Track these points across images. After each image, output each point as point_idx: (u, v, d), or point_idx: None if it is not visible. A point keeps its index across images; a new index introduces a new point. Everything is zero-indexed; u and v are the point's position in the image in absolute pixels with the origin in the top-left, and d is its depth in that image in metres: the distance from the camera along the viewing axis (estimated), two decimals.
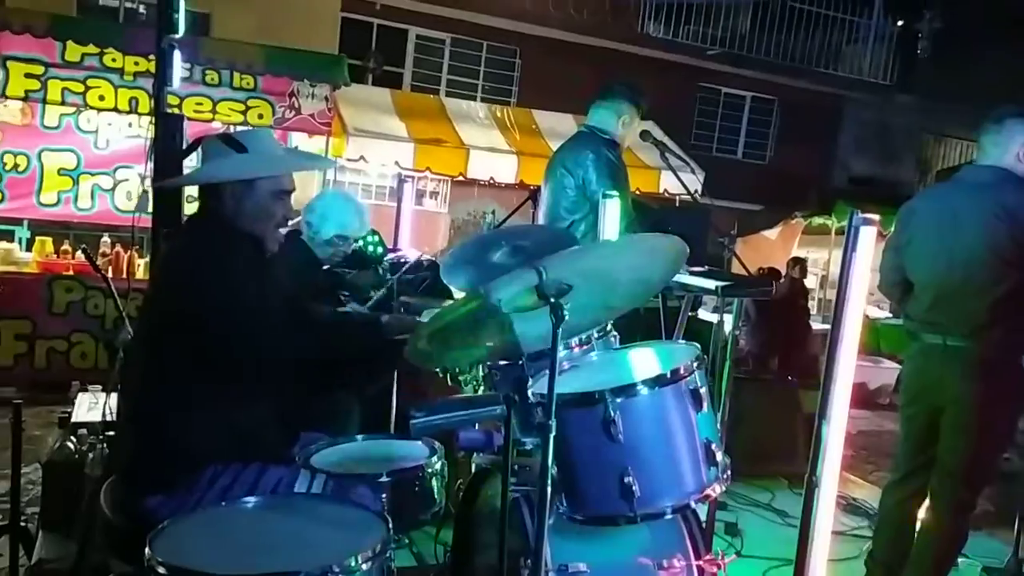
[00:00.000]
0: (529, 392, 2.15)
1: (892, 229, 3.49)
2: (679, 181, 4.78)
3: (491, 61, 13.85)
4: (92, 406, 4.58)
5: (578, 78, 12.88)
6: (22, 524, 3.46)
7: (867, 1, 15.73)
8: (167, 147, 2.81)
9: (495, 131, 9.38)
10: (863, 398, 7.19)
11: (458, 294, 4.37)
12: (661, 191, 9.42)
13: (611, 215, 3.06)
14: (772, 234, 12.21)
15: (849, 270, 1.89)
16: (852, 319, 1.88)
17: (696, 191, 9.56)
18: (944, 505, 3.21)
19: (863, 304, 1.91)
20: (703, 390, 2.04)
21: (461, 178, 9.25)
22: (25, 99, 6.76)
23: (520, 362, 2.58)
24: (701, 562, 2.26)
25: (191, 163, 3.07)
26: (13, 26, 6.20)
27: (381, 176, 11.07)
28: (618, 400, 1.96)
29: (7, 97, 6.62)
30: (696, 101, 15.32)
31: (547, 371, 2.25)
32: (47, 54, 6.48)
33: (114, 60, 6.68)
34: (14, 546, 3.39)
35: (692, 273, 4.16)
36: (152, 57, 6.51)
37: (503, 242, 2.85)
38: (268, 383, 2.35)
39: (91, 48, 6.57)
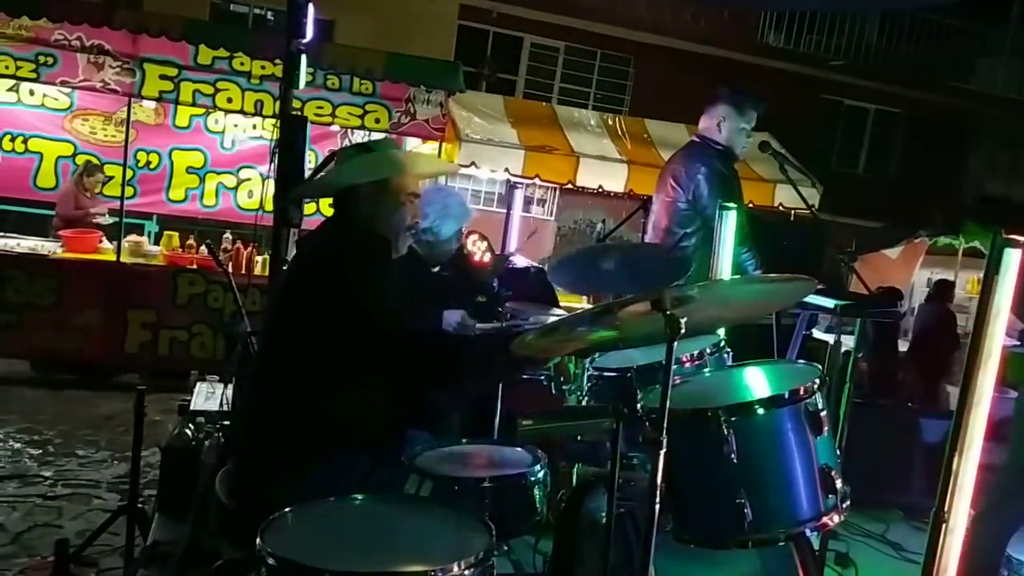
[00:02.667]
0: (638, 406, 2.11)
1: None
2: (798, 194, 4.61)
3: (604, 69, 13.80)
4: (209, 395, 4.76)
5: (692, 88, 12.71)
6: (139, 505, 3.63)
7: (1002, 11, 14.92)
8: (291, 147, 2.89)
9: (606, 139, 9.30)
10: (988, 427, 6.78)
11: (564, 301, 4.35)
12: (776, 204, 9.15)
13: (729, 227, 2.98)
14: (893, 253, 11.67)
15: (991, 294, 1.77)
16: (993, 346, 1.76)
17: (813, 206, 9.27)
18: None
19: (1003, 331, 1.78)
20: (823, 414, 1.95)
21: (570, 186, 9.20)
22: (159, 99, 7.11)
23: (628, 375, 2.55)
24: None
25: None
26: (151, 29, 6.52)
27: (490, 182, 11.16)
28: (733, 419, 1.89)
29: (143, 97, 6.95)
30: (816, 113, 14.85)
31: (656, 385, 2.21)
32: (181, 57, 6.77)
33: (242, 64, 6.95)
34: (131, 526, 3.56)
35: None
36: (278, 61, 6.84)
37: (615, 252, 2.81)
38: (388, 381, 2.42)
39: (222, 52, 6.84)
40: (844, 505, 1.99)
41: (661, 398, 1.75)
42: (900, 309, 9.17)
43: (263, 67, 7.04)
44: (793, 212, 9.20)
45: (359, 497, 2.06)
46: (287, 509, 1.94)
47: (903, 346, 9.25)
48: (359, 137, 8.11)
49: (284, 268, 2.58)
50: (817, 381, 1.98)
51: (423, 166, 2.66)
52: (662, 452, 1.74)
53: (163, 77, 6.78)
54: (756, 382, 2.26)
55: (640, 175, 8.74)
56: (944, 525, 1.81)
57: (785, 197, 8.92)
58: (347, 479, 2.22)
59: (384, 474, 2.27)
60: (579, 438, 2.07)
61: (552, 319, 3.84)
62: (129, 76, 6.67)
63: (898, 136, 15.44)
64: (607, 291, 2.80)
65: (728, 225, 2.96)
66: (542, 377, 3.35)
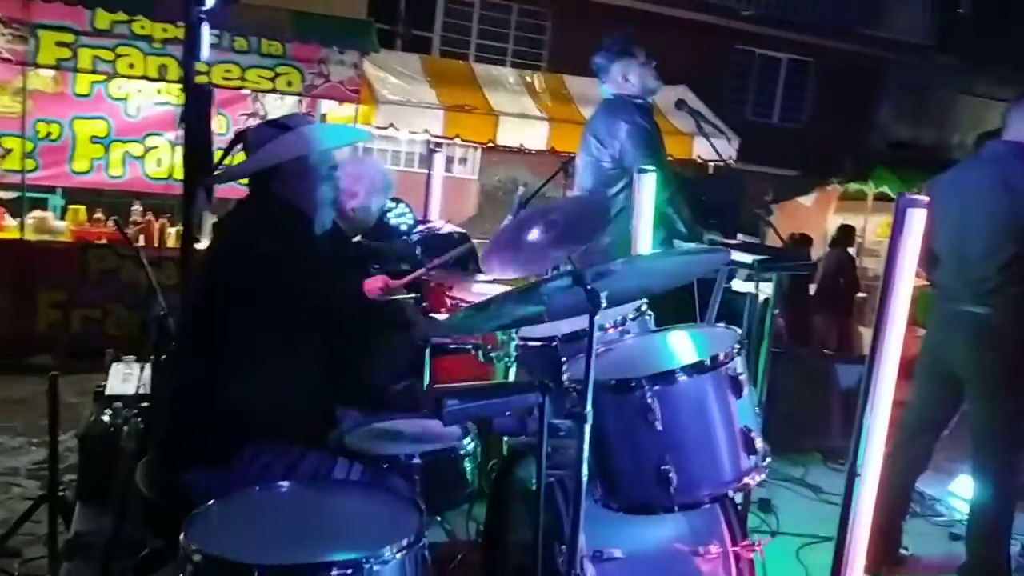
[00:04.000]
0: (564, 377, 2.12)
1: None
2: (713, 148, 4.68)
3: (521, 24, 13.66)
4: (127, 377, 4.61)
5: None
6: (60, 494, 3.52)
7: None
8: (196, 119, 2.77)
9: (525, 97, 9.24)
10: (900, 368, 7.09)
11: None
12: (694, 157, 9.27)
13: (647, 191, 2.99)
14: (808, 201, 12.02)
15: (897, 253, 1.82)
16: (900, 306, 1.82)
17: (730, 157, 9.43)
18: (985, 479, 3.30)
19: (910, 290, 1.84)
20: (743, 376, 1.99)
21: (491, 145, 9.14)
22: (56, 68, 6.76)
23: (553, 344, 2.56)
24: (738, 548, 2.23)
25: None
26: None
27: (410, 143, 11.00)
28: (656, 387, 1.92)
29: (39, 66, 6.62)
30: (730, 64, 15.02)
31: (581, 355, 2.22)
32: (77, 22, 6.46)
33: (143, 27, 6.67)
34: (53, 515, 3.45)
35: (727, 246, 4.09)
36: (180, 24, 6.59)
37: (535, 221, 2.78)
38: (315, 364, 2.38)
39: (121, 15, 6.55)
40: (764, 463, 2.04)
41: (585, 372, 1.76)
42: (813, 259, 9.48)
43: (165, 30, 6.77)
44: (711, 164, 9.33)
45: (284, 486, 2.02)
46: (211, 502, 1.90)
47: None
48: (271, 101, 7.89)
49: (202, 248, 2.47)
50: (737, 346, 2.02)
51: (340, 138, 2.60)
52: (587, 425, 1.76)
53: (60, 44, 6.46)
54: (679, 347, 2.29)
55: (561, 132, 8.73)
56: (857, 478, 1.88)
57: (703, 150, 9.02)
58: (273, 468, 2.19)
59: (312, 461, 2.24)
60: (507, 413, 2.07)
61: (478, 286, 3.84)
62: (22, 43, 6.33)
63: (809, 85, 15.75)
64: (541, 263, 2.78)
65: (646, 189, 2.97)
66: (469, 346, 3.34)
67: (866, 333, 9.47)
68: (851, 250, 9.85)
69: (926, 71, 15.80)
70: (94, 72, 6.81)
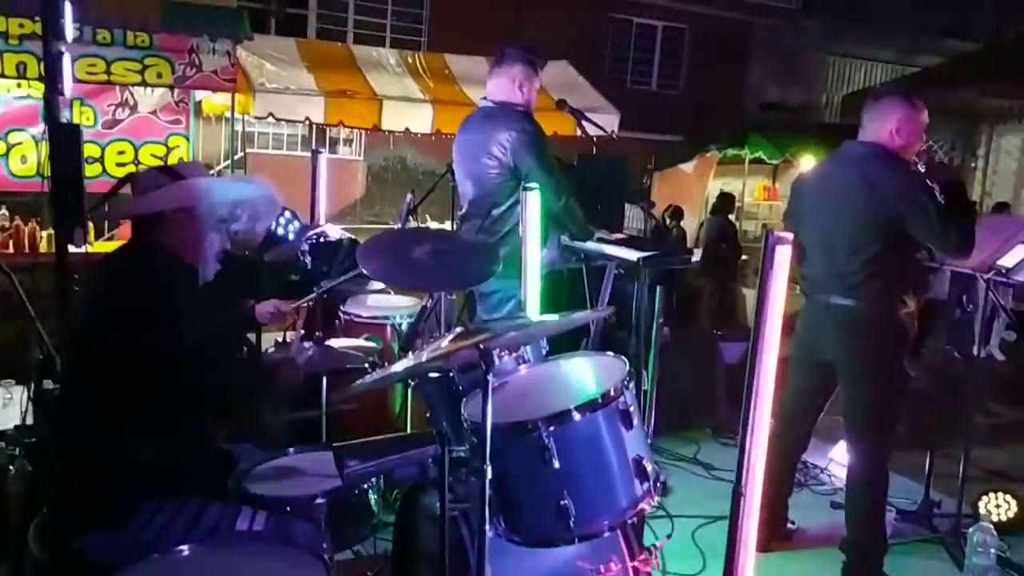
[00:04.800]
0: (462, 413, 2.17)
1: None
2: (592, 124, 4.71)
3: (399, 0, 13.42)
4: (7, 402, 4.42)
5: (489, 18, 12.66)
6: None
7: None
8: (64, 159, 2.65)
9: (407, 79, 9.12)
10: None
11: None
12: (578, 133, 9.35)
13: (532, 209, 3.02)
14: (689, 167, 12.35)
15: (767, 287, 1.94)
16: (771, 341, 1.94)
17: (613, 131, 9.58)
18: (859, 456, 3.49)
19: (780, 320, 1.97)
20: (632, 408, 2.09)
21: (375, 130, 9.01)
22: None
23: (451, 374, 2.59)
24: (636, 563, 2.34)
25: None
26: None
27: (292, 125, 10.74)
28: (552, 428, 1.98)
29: None
30: (608, 33, 15.21)
31: (476, 391, 2.28)
32: None
33: None
34: None
35: (612, 242, 4.20)
36: (38, 19, 6.22)
37: (425, 240, 2.81)
38: (202, 414, 2.34)
39: None
40: (657, 485, 2.15)
41: (482, 425, 1.81)
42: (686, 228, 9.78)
43: (21, 25, 6.40)
44: (595, 140, 9.45)
45: (184, 550, 1.99)
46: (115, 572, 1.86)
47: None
48: (140, 91, 7.57)
49: (80, 291, 2.38)
50: (627, 379, 2.10)
51: (233, 191, 2.52)
52: (487, 479, 1.81)
53: None
54: (572, 380, 2.36)
55: (446, 114, 8.67)
56: (742, 499, 2.01)
57: (587, 126, 9.11)
58: (173, 526, 2.16)
59: (213, 513, 2.22)
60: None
61: (372, 299, 3.84)
62: None
63: (685, 52, 16.13)
64: (419, 283, 2.80)
65: (532, 207, 3.01)
66: (367, 365, 3.35)
67: (749, 294, 9.92)
68: (731, 216, 10.20)
69: (792, 34, 16.40)
70: None
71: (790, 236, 1.96)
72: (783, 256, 1.96)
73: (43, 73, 6.41)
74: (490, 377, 1.79)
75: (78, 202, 2.65)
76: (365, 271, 2.81)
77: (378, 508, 2.56)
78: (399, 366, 1.89)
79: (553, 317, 2.16)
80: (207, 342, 2.27)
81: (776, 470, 3.67)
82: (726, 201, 10.09)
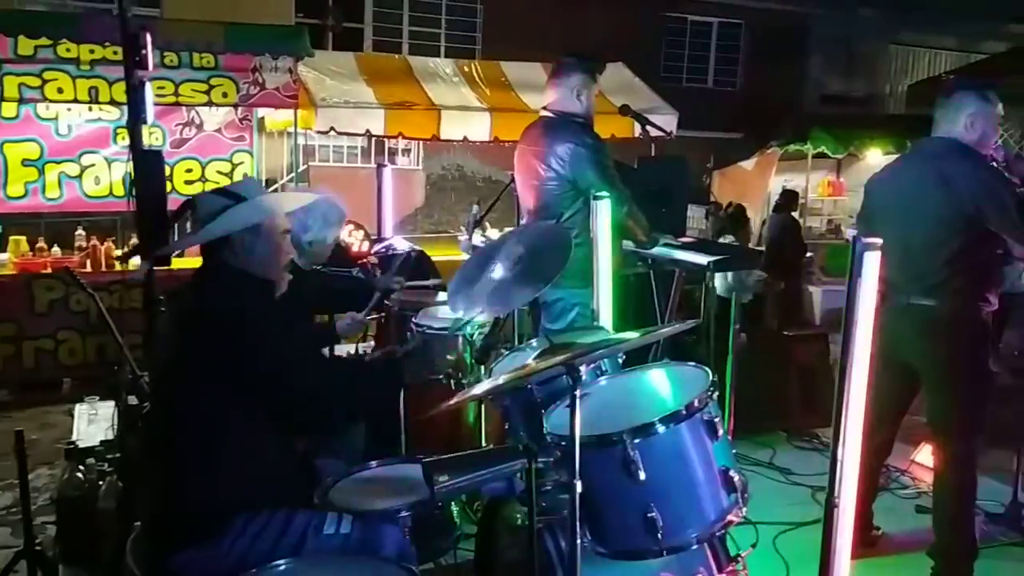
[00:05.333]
0: (545, 429, 2.18)
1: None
2: (655, 128, 4.69)
3: (452, 8, 13.52)
4: (92, 419, 4.57)
5: (542, 22, 12.68)
6: (36, 547, 3.49)
7: None
8: (149, 183, 2.74)
9: (464, 88, 9.19)
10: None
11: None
12: (636, 135, 9.33)
13: (603, 218, 3.02)
14: (749, 165, 12.18)
15: (855, 296, 1.90)
16: (862, 351, 1.90)
17: (671, 132, 9.51)
18: (946, 460, 3.41)
19: (870, 333, 1.93)
20: (717, 420, 2.07)
21: (434, 140, 9.10)
22: None
23: (528, 385, 2.60)
24: (724, 574, 2.32)
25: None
26: None
27: (351, 137, 10.90)
28: (636, 440, 1.98)
29: None
30: (664, 32, 15.10)
31: (559, 403, 2.29)
32: None
33: (68, 50, 6.53)
34: (31, 571, 3.43)
35: (681, 247, 4.16)
36: (108, 44, 6.44)
37: (498, 257, 2.82)
38: (292, 426, 2.39)
39: (44, 40, 6.37)
40: (744, 497, 2.12)
41: (571, 441, 1.82)
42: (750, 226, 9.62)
43: (92, 51, 6.61)
44: (653, 141, 9.39)
45: (281, 565, 2.04)
46: None
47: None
48: (206, 110, 7.76)
49: (166, 318, 2.45)
50: (711, 389, 2.09)
51: (291, 202, 2.59)
52: (578, 493, 1.82)
53: None
54: (652, 390, 2.36)
55: (503, 121, 8.72)
56: (836, 510, 1.98)
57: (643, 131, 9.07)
58: (263, 536, 2.21)
59: (301, 520, 2.26)
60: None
61: (442, 311, 3.87)
62: None
63: (741, 47, 15.92)
64: (507, 304, 2.81)
65: (603, 216, 3.01)
66: (441, 377, 3.38)
67: (815, 292, 9.74)
68: (794, 214, 10.02)
69: (851, 24, 16.06)
70: (21, 101, 6.65)
71: (878, 241, 1.93)
72: (872, 262, 1.93)
73: (112, 97, 6.71)
74: (578, 392, 1.80)
75: (163, 224, 2.72)
76: (463, 315, 2.84)
77: (460, 520, 2.58)
78: (497, 380, 1.90)
79: (635, 334, 2.14)
80: (295, 353, 2.31)
81: (860, 475, 3.61)
82: (789, 198, 9.90)
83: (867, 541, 3.71)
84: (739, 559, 2.46)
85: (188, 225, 2.49)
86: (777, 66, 15.14)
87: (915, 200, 3.32)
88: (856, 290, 1.91)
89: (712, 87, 15.76)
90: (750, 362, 4.90)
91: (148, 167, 2.74)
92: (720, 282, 3.76)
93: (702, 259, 3.88)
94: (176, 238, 3.26)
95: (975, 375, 3.31)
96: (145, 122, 2.75)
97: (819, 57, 16.25)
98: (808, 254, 10.12)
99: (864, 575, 3.49)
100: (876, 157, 11.48)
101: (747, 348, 5.00)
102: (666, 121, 9.25)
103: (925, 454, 4.50)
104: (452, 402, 2.10)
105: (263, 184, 6.18)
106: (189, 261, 7.02)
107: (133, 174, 2.72)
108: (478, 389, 1.98)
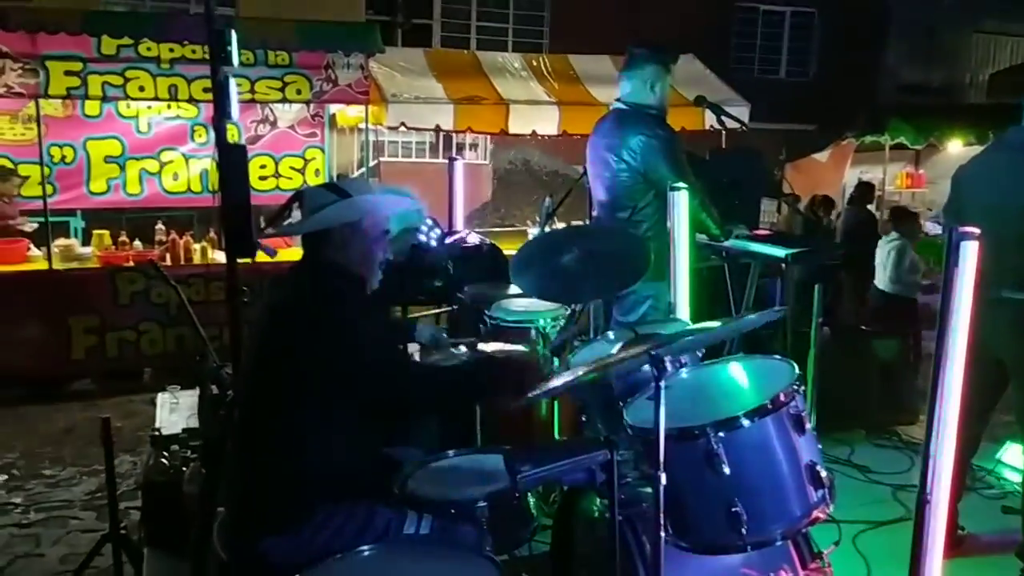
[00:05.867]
0: (626, 422, 2.16)
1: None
2: (730, 118, 4.61)
3: (519, 3, 13.52)
4: (173, 407, 4.70)
5: (609, 15, 12.58)
6: (121, 531, 3.61)
7: None
8: (234, 178, 2.80)
9: (533, 82, 9.17)
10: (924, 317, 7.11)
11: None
12: (707, 127, 9.20)
13: (682, 209, 2.98)
14: (823, 156, 11.90)
15: (952, 287, 1.84)
16: (959, 345, 1.83)
17: (744, 123, 9.34)
18: None
19: (967, 325, 1.86)
20: (804, 414, 2.03)
21: (503, 134, 9.11)
22: (67, 97, 6.83)
23: (610, 379, 2.59)
24: (808, 571, 2.27)
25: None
26: (47, 26, 6.22)
27: (420, 132, 11.00)
28: (720, 434, 1.95)
29: (50, 96, 6.68)
30: (735, 23, 14.84)
31: (638, 397, 2.26)
32: (83, 50, 6.50)
33: (149, 49, 6.71)
34: (117, 555, 3.54)
35: (757, 238, 4.09)
36: (187, 43, 6.61)
37: (570, 243, 2.81)
38: (378, 420, 2.44)
39: (126, 40, 6.57)
40: (832, 494, 2.08)
41: (655, 435, 1.80)
42: (836, 217, 9.38)
43: (171, 50, 6.78)
44: (724, 133, 9.26)
45: (364, 551, 2.07)
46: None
47: None
48: (279, 106, 7.91)
49: (260, 308, 2.51)
50: (796, 383, 2.04)
51: (394, 205, 2.64)
52: (662, 486, 1.80)
53: (68, 73, 6.50)
54: (735, 383, 2.32)
55: (572, 115, 8.68)
56: (928, 507, 1.91)
57: (715, 119, 8.93)
58: (345, 530, 2.24)
59: (382, 518, 2.29)
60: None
61: (510, 304, 3.88)
62: (33, 77, 6.38)
63: (815, 37, 15.55)
64: (573, 296, 2.80)
65: (681, 207, 2.97)
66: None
67: None
68: (870, 207, 9.76)
69: (930, 11, 15.55)
70: (105, 99, 6.90)
71: (976, 231, 1.86)
72: (969, 253, 1.86)
73: (191, 95, 6.87)
74: (663, 384, 1.78)
75: (247, 217, 2.78)
76: (521, 288, 2.84)
77: (537, 511, 2.57)
78: (578, 372, 1.90)
79: (717, 323, 2.11)
80: (381, 351, 2.35)
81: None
82: (865, 191, 9.65)
83: (953, 541, 3.60)
84: (823, 556, 2.40)
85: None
86: (852, 56, 14.75)
87: (1006, 191, 3.23)
88: (953, 281, 1.84)
89: (784, 78, 15.44)
90: (830, 358, 4.78)
91: (233, 162, 2.80)
92: None
93: (779, 251, 3.80)
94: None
95: None
96: (230, 117, 2.81)
97: (897, 46, 15.78)
98: None
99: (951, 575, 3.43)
100: (957, 148, 11.11)
101: (826, 344, 4.88)
102: (738, 113, 9.03)
103: (1011, 453, 4.34)
104: (535, 393, 2.09)
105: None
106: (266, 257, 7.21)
107: (218, 168, 2.78)
108: (559, 381, 1.97)
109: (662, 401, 1.79)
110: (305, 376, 2.27)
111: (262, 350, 2.43)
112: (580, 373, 1.85)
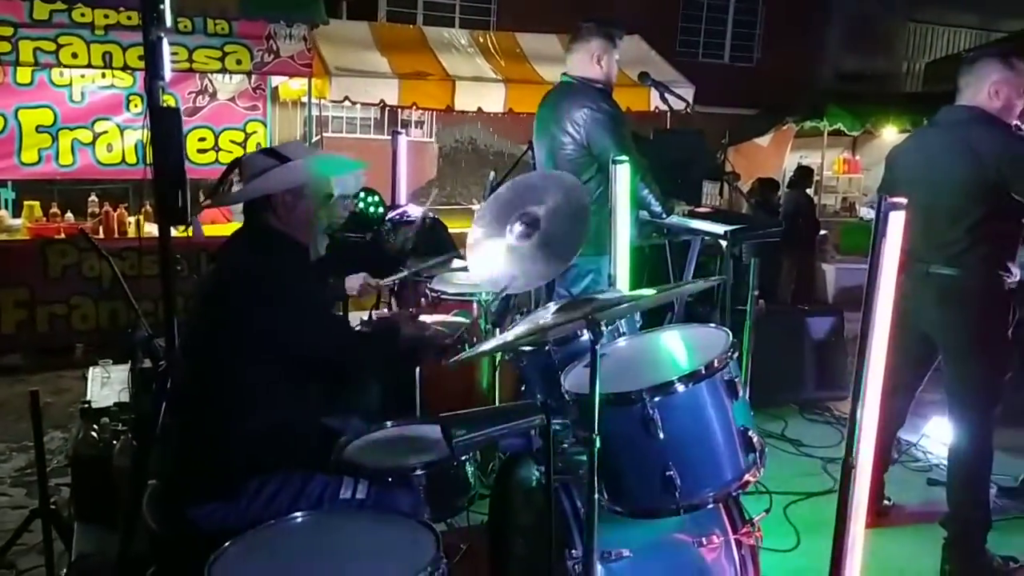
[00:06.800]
0: (564, 389, 2.17)
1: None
2: (675, 97, 4.66)
3: None
4: (105, 382, 4.60)
5: None
6: (51, 506, 3.52)
7: None
8: (166, 142, 2.72)
9: (479, 59, 9.12)
10: (857, 300, 7.26)
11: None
12: (652, 108, 9.27)
13: (623, 182, 2.99)
14: (764, 141, 12.09)
15: (879, 256, 1.88)
16: (884, 311, 1.88)
17: (687, 106, 9.43)
18: (962, 432, 3.38)
19: (893, 290, 1.91)
20: (737, 379, 2.06)
21: (448, 111, 9.05)
22: None
23: (547, 348, 2.60)
24: (739, 535, 2.32)
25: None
26: None
27: (364, 108, 10.85)
28: (656, 399, 1.97)
29: None
30: (679, 6, 14.92)
31: (576, 364, 2.28)
32: (14, 14, 6.30)
33: (83, 15, 6.52)
34: (47, 530, 3.46)
35: (697, 215, 4.14)
36: (122, 10, 6.42)
37: (514, 214, 2.80)
38: (316, 388, 2.41)
39: (59, 4, 6.38)
40: (762, 459, 2.12)
41: (590, 398, 1.81)
42: (779, 200, 9.56)
43: (106, 16, 6.59)
44: (668, 114, 9.33)
45: (297, 517, 2.05)
46: (227, 543, 1.92)
47: None
48: (219, 77, 7.73)
49: (201, 277, 2.45)
50: (730, 349, 2.08)
51: (337, 169, 2.59)
52: (596, 449, 1.81)
53: None
54: (671, 350, 2.34)
55: (518, 93, 8.65)
56: (853, 472, 1.96)
57: (661, 100, 8.99)
58: (280, 497, 2.22)
59: (317, 484, 2.27)
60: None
61: (458, 277, 3.86)
62: None
63: (758, 22, 15.72)
64: (527, 279, 2.79)
65: (622, 179, 2.98)
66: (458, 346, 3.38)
67: (828, 270, 9.68)
68: (809, 191, 9.96)
69: (870, 1, 15.84)
70: (36, 64, 6.66)
71: (904, 201, 1.90)
72: (896, 222, 1.90)
73: (126, 63, 6.67)
74: (599, 347, 1.78)
75: (181, 183, 2.71)
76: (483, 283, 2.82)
77: (475, 480, 2.57)
78: (514, 333, 1.90)
79: (652, 291, 2.13)
80: (319, 315, 2.32)
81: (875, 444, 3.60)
82: (803, 175, 9.84)
83: (879, 511, 3.71)
84: (754, 523, 2.45)
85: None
86: (794, 43, 14.95)
87: (938, 168, 3.29)
88: (880, 250, 1.88)
89: (728, 63, 15.58)
90: (766, 336, 4.88)
91: (165, 126, 2.72)
92: None
93: (718, 227, 3.85)
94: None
95: (994, 345, 3.29)
96: (163, 80, 2.72)
97: (837, 34, 16.04)
98: (822, 232, 10.07)
99: (877, 545, 3.50)
100: (892, 135, 11.38)
101: (763, 321, 4.98)
102: (683, 94, 9.14)
103: (936, 427, 4.49)
104: (465, 355, 2.10)
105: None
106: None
107: (150, 132, 2.70)
108: (494, 342, 1.97)
109: (598, 364, 1.80)
110: (246, 344, 2.23)
111: (203, 317, 2.38)
112: (515, 335, 1.85)
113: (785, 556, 3.33)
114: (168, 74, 2.71)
